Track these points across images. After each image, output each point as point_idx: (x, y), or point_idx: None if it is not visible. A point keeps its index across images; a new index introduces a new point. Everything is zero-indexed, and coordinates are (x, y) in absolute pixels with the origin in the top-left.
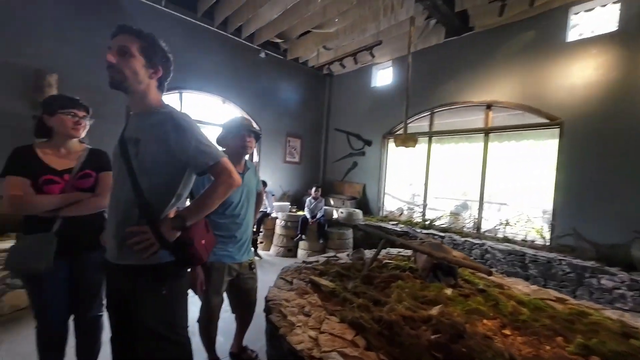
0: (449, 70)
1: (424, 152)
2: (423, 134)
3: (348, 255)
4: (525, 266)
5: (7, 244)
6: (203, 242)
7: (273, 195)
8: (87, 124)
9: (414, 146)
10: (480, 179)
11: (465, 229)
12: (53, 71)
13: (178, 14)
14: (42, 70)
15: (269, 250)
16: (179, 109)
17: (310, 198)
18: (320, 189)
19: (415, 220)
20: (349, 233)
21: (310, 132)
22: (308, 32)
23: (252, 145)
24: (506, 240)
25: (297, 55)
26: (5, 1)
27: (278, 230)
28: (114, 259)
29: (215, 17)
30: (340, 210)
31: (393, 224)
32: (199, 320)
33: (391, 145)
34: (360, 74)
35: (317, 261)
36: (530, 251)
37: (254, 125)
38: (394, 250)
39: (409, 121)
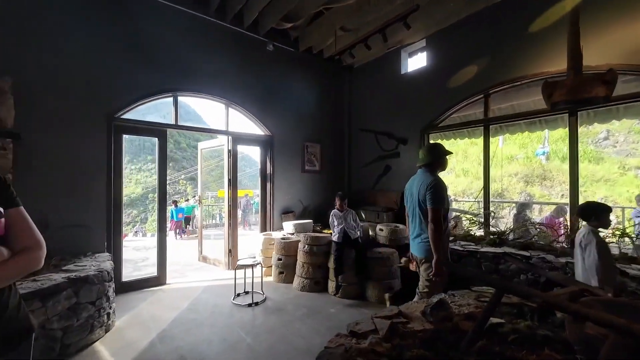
0: (508, 36)
1: (479, 146)
2: (476, 123)
3: (424, 314)
4: None
5: None
6: None
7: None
8: None
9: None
10: (570, 172)
11: (556, 244)
12: (4, 74)
13: (167, 2)
14: None
15: (291, 282)
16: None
17: (334, 211)
18: (345, 199)
19: (475, 233)
20: (395, 257)
21: (330, 135)
22: (322, 13)
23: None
24: (631, 259)
25: (310, 45)
26: None
27: (301, 257)
28: None
29: (210, 0)
30: (378, 226)
31: (449, 241)
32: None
33: (432, 142)
34: (385, 61)
35: (374, 330)
36: None
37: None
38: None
39: (451, 111)
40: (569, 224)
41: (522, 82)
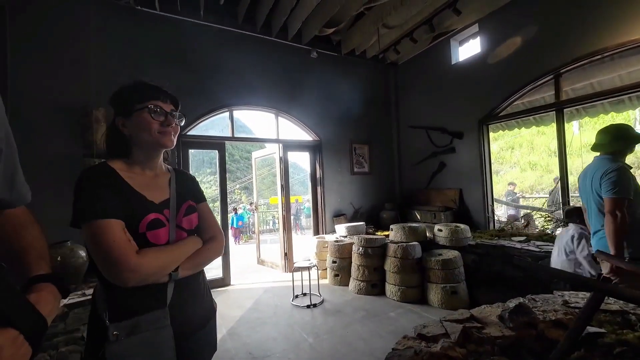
0: (580, 3)
1: (547, 135)
2: (545, 107)
3: (501, 317)
4: None
5: None
6: None
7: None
8: (177, 124)
9: None
10: None
11: None
12: (100, 105)
13: (218, 26)
14: (88, 106)
15: (347, 285)
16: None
17: (576, 230)
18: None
19: (553, 232)
20: (457, 259)
21: (378, 135)
22: (363, 14)
23: None
24: None
25: (353, 47)
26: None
27: (356, 259)
28: None
29: (256, 19)
30: (437, 227)
31: (521, 241)
32: None
33: (492, 134)
34: (433, 53)
35: (444, 333)
36: None
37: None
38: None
39: (513, 97)
40: None
41: (603, 54)
